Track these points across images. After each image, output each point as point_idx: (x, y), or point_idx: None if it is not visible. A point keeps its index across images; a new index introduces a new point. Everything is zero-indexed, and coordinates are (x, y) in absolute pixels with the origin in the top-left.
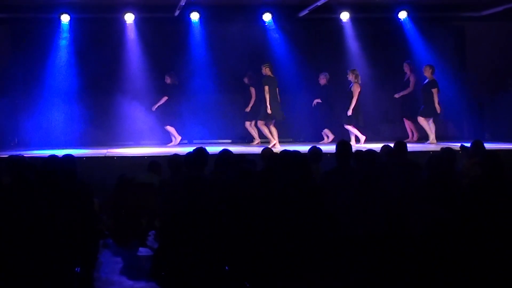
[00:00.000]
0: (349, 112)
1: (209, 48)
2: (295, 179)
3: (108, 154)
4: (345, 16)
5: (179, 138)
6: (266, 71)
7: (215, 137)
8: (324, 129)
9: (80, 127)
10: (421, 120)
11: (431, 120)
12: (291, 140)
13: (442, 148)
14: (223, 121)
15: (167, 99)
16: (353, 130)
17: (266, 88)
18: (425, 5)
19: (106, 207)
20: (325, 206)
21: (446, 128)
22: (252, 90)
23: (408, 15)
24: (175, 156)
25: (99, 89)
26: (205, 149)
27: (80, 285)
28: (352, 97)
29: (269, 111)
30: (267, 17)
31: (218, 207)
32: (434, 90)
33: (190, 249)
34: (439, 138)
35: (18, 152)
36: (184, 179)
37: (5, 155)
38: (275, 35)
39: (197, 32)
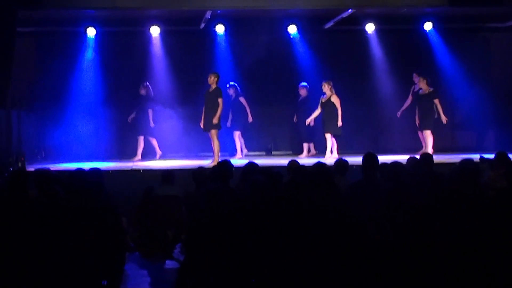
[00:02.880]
0: (340, 123)
1: (234, 60)
2: (321, 191)
3: (134, 167)
4: (370, 28)
5: (139, 154)
6: (215, 80)
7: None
8: (304, 142)
9: (106, 140)
10: (428, 133)
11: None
12: (316, 152)
13: (463, 160)
14: (248, 133)
15: (142, 111)
16: (329, 142)
17: (221, 101)
18: (451, 16)
19: (133, 220)
20: (350, 218)
21: (471, 139)
22: (243, 100)
23: (434, 26)
24: (200, 168)
25: (124, 102)
26: (229, 162)
27: None
28: (335, 108)
29: (216, 120)
30: (292, 29)
31: (244, 219)
32: (436, 101)
33: (217, 261)
34: (464, 149)
35: (44, 166)
36: (207, 191)
37: (32, 168)
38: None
39: (222, 45)
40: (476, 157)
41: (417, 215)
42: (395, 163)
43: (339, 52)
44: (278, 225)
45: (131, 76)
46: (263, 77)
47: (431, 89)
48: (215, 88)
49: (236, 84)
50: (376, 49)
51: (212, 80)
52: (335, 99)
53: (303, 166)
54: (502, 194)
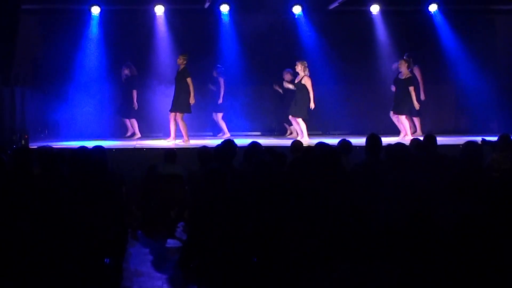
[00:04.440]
0: (312, 105)
1: (238, 40)
2: (325, 172)
3: (137, 146)
4: (375, 8)
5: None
6: (184, 61)
7: (244, 129)
8: (286, 122)
9: (109, 118)
10: (403, 118)
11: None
12: (320, 132)
13: (468, 142)
14: (252, 113)
15: (127, 91)
16: (301, 125)
17: (190, 80)
18: None
19: (136, 198)
20: (355, 199)
21: (475, 121)
22: (221, 81)
23: (439, 8)
24: (204, 148)
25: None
26: (233, 141)
27: (110, 276)
28: (306, 90)
29: (192, 101)
30: (297, 9)
31: (247, 198)
32: (411, 88)
33: (219, 240)
34: (467, 132)
35: (48, 143)
36: (210, 170)
37: (35, 146)
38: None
39: (226, 24)
40: (479, 139)
41: (422, 196)
42: (399, 144)
43: (344, 33)
44: (281, 205)
45: (135, 55)
46: (267, 57)
47: (409, 76)
48: (183, 68)
49: (220, 66)
50: (381, 31)
51: (181, 61)
52: (305, 81)
53: (308, 146)
54: (506, 176)
